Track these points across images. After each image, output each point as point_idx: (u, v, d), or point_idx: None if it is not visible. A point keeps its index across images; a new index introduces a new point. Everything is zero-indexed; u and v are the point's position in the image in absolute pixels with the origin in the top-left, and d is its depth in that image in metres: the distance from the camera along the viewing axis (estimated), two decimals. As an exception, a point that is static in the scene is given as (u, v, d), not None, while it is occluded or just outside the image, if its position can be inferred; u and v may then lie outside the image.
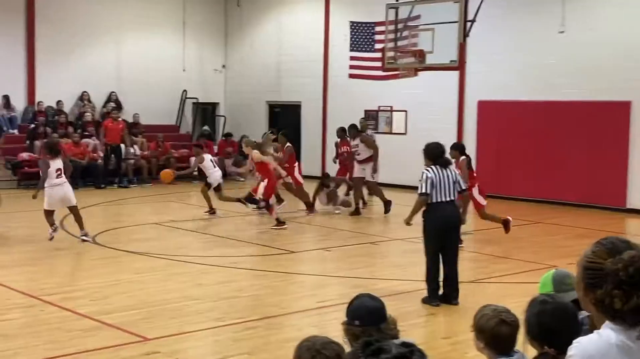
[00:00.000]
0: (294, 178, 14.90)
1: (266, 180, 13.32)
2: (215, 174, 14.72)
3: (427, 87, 18.61)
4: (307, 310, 8.06)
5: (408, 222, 8.53)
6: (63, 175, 11.23)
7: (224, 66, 24.44)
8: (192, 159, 16.73)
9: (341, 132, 16.01)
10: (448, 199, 8.10)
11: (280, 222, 13.14)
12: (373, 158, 15.04)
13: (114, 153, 19.46)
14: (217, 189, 14.67)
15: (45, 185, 11.17)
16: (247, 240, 12.41)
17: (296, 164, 15.17)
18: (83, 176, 18.82)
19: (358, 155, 15.17)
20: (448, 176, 8.14)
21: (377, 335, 3.28)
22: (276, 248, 11.55)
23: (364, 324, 3.45)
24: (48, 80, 20.91)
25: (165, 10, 23.14)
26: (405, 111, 19.93)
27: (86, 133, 20.33)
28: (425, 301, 8.14)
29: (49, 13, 20.84)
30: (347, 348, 3.03)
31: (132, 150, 20.29)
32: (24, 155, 19.00)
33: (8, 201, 16.43)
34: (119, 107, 21.80)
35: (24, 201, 16.44)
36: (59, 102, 20.84)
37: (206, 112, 24.62)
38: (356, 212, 14.94)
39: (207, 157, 14.95)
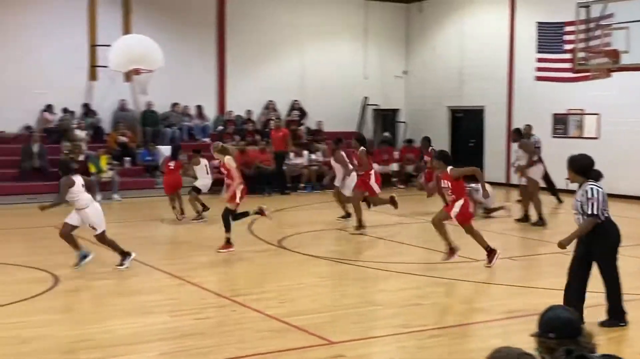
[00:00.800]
0: (367, 187, 13.51)
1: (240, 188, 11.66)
2: (205, 180, 14.99)
3: (621, 88, 17.58)
4: (493, 320, 7.80)
5: (566, 245, 7.32)
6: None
7: (405, 72, 24.44)
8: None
9: (424, 141, 16.81)
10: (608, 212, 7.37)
11: (229, 244, 11.40)
12: (531, 164, 14.36)
13: (279, 160, 19.89)
14: (198, 192, 14.81)
15: (83, 203, 9.83)
16: (428, 246, 12.26)
17: (372, 171, 13.65)
18: (269, 182, 19.48)
19: (518, 160, 14.61)
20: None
21: (574, 348, 3.13)
22: (459, 255, 11.31)
23: (560, 336, 3.29)
24: (237, 90, 21.92)
25: (346, 18, 23.51)
26: (598, 114, 18.93)
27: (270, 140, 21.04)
28: (614, 320, 7.52)
29: (238, 27, 21.83)
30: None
31: (313, 157, 20.76)
32: (215, 162, 19.94)
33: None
34: (302, 114, 22.44)
35: (216, 205, 17.31)
36: (249, 111, 21.76)
37: (387, 118, 24.73)
38: (525, 219, 14.37)
39: (204, 162, 14.96)
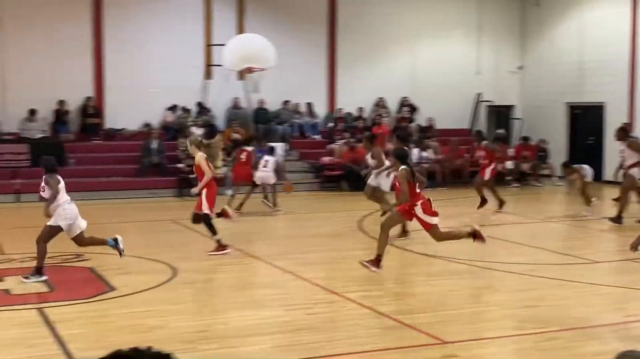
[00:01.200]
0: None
1: (205, 190, 10.94)
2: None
3: None
4: (613, 324, 7.49)
5: None
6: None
7: (520, 67, 23.84)
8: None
9: (477, 135, 16.17)
10: None
11: (222, 246, 10.86)
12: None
13: None
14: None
15: (61, 202, 9.18)
16: (544, 247, 11.90)
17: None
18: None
19: (624, 160, 13.88)
20: None
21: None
22: (576, 256, 10.93)
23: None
24: (347, 88, 21.98)
25: (459, 14, 23.16)
26: None
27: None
28: None
29: (349, 25, 21.89)
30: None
31: (424, 154, 20.54)
32: (325, 159, 20.11)
33: (310, 202, 17.52)
34: (412, 111, 22.27)
35: (325, 202, 17.43)
36: (360, 109, 21.79)
37: (500, 114, 24.18)
38: (617, 220, 13.58)
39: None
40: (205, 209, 10.81)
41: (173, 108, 20.16)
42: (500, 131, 22.98)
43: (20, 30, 18.78)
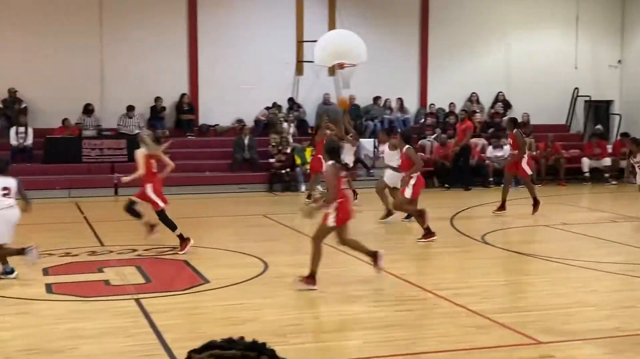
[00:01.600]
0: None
1: (151, 185, 10.68)
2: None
3: None
4: None
5: None
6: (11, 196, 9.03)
7: (619, 61, 23.02)
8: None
9: (510, 122, 14.86)
10: None
11: (185, 239, 10.50)
12: None
13: (462, 155, 19.26)
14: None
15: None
16: (646, 246, 11.47)
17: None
18: (473, 175, 19.14)
19: None
20: None
21: None
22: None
23: None
24: (439, 83, 21.73)
25: (556, 7, 22.54)
26: None
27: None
28: None
29: (442, 19, 21.63)
30: None
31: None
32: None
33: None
34: (506, 107, 21.83)
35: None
36: (450, 104, 21.51)
37: (599, 110, 23.41)
38: None
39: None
40: (160, 203, 10.60)
41: (271, 107, 20.33)
42: (598, 127, 22.32)
43: (119, 28, 19.39)
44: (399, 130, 21.06)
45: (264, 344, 2.02)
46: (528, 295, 8.44)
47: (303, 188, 17.87)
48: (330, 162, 8.49)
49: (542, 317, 7.43)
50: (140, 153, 10.72)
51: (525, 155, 14.26)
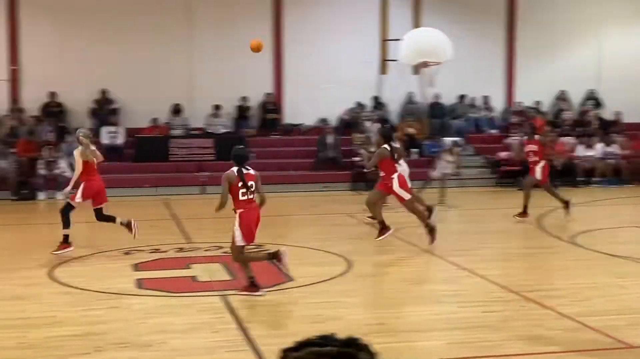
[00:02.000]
0: (392, 191, 11.02)
1: (84, 183, 10.56)
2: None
3: None
4: None
5: None
6: None
7: None
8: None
9: (530, 127, 13.96)
10: None
11: (66, 243, 10.41)
12: None
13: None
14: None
15: None
16: None
17: (395, 175, 10.99)
18: (562, 175, 18.67)
19: None
20: None
21: None
22: None
23: None
24: (526, 81, 21.28)
25: (650, 0, 21.75)
26: None
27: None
28: None
29: (529, 15, 21.17)
30: None
31: (608, 149, 19.52)
32: (502, 154, 19.58)
33: (485, 198, 17.18)
34: (597, 105, 21.22)
35: (501, 199, 17.00)
36: (538, 102, 21.04)
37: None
38: None
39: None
40: (78, 199, 10.46)
41: (359, 106, 20.33)
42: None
43: (207, 30, 19.78)
44: (483, 129, 20.86)
45: (358, 339, 2.01)
46: (619, 297, 8.16)
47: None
48: (231, 170, 8.11)
49: (635, 321, 7.19)
50: (78, 152, 10.61)
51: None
